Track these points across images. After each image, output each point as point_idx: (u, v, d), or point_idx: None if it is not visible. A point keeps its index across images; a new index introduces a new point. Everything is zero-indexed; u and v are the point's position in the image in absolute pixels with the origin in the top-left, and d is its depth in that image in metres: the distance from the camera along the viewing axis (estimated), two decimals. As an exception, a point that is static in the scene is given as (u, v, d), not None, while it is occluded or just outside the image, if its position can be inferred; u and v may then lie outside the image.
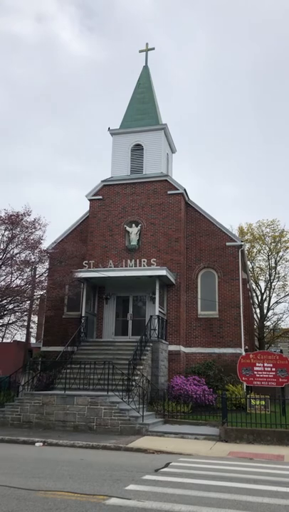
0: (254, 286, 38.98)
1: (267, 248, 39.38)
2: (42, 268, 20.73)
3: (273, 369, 17.38)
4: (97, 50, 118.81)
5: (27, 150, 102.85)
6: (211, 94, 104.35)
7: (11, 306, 19.77)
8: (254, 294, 38.56)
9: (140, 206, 23.42)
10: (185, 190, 23.43)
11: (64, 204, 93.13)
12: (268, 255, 39.31)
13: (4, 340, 33.38)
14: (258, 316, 39.63)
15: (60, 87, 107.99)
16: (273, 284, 39.48)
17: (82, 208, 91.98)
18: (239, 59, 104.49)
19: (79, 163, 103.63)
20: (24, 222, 19.53)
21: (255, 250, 39.67)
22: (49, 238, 21.56)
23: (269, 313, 40.40)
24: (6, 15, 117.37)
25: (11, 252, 19.29)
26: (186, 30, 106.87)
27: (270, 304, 39.97)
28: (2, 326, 22.03)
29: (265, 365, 17.49)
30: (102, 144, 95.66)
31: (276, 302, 40.32)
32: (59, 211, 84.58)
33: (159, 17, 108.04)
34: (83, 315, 21.33)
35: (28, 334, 23.13)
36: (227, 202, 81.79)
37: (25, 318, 21.41)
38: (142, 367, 17.86)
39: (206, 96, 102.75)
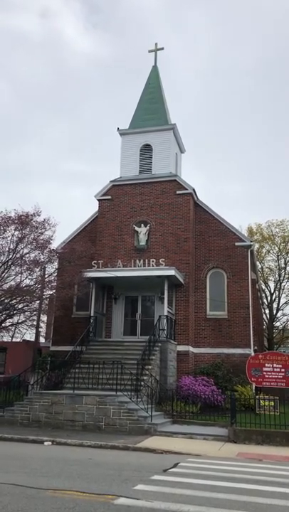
0: (263, 286, 38.79)
1: (276, 248, 39.17)
2: (51, 268, 20.85)
3: (283, 370, 17.28)
4: (102, 47, 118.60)
5: (30, 148, 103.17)
6: (213, 93, 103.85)
7: (20, 306, 19.87)
8: (263, 295, 38.38)
9: (149, 206, 23.42)
10: (194, 190, 23.39)
11: (69, 203, 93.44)
12: (278, 255, 39.11)
13: (14, 340, 33.55)
14: (267, 316, 39.43)
15: (64, 84, 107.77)
16: (283, 284, 39.27)
17: (88, 207, 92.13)
18: (243, 58, 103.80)
19: (83, 162, 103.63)
20: (34, 223, 19.62)
21: (264, 250, 39.49)
22: (55, 237, 21.66)
23: (278, 314, 40.22)
24: (9, 10, 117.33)
25: (21, 252, 19.40)
26: (190, 27, 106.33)
27: (280, 305, 39.78)
28: (12, 325, 22.13)
29: (275, 365, 17.40)
30: (107, 142, 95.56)
31: (286, 303, 40.12)
32: (64, 210, 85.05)
33: (165, 13, 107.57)
34: (92, 315, 21.38)
35: (38, 334, 23.23)
36: (229, 201, 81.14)
37: (35, 317, 21.51)
38: (150, 367, 17.86)
39: (207, 95, 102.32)
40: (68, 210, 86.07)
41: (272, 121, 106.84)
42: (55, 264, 21.07)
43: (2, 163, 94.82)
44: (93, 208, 24.78)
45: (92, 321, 21.20)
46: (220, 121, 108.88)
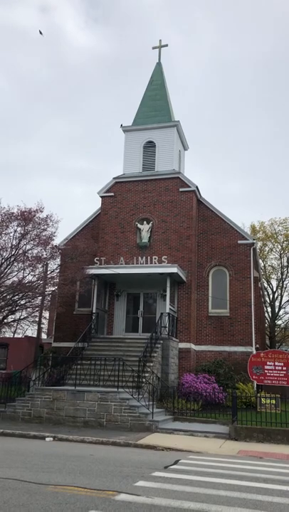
0: (266, 284, 38.75)
1: (279, 246, 39.10)
2: (53, 264, 20.87)
3: (284, 368, 17.29)
4: (103, 41, 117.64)
5: (29, 144, 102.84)
6: (214, 91, 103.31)
7: (22, 302, 19.90)
8: (265, 293, 38.33)
9: (152, 203, 23.41)
10: (197, 187, 23.36)
11: (69, 200, 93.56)
12: (280, 254, 39.04)
13: (16, 336, 33.65)
14: (270, 314, 39.41)
15: (65, 80, 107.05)
16: (285, 282, 39.21)
17: (89, 204, 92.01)
18: (245, 56, 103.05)
19: (84, 158, 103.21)
20: (36, 219, 19.64)
21: (267, 249, 39.40)
22: (57, 234, 21.63)
23: (280, 312, 40.20)
24: (9, 5, 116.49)
25: (23, 248, 19.42)
26: (192, 23, 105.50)
27: (282, 303, 39.75)
28: (14, 321, 22.18)
29: (276, 363, 17.40)
30: (108, 139, 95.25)
31: (288, 301, 40.10)
32: (65, 207, 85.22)
33: (166, 8, 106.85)
34: (94, 311, 21.42)
35: (40, 330, 23.28)
36: (231, 200, 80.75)
37: (37, 313, 21.53)
38: (152, 364, 17.88)
39: (208, 93, 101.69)
40: (69, 207, 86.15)
41: (275, 119, 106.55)
42: (58, 261, 21.09)
43: (2, 160, 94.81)
44: (94, 205, 24.81)
45: (94, 317, 21.24)
46: (223, 118, 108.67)
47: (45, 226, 19.84)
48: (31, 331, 29.77)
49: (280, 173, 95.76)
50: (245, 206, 75.29)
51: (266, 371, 17.43)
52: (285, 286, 39.25)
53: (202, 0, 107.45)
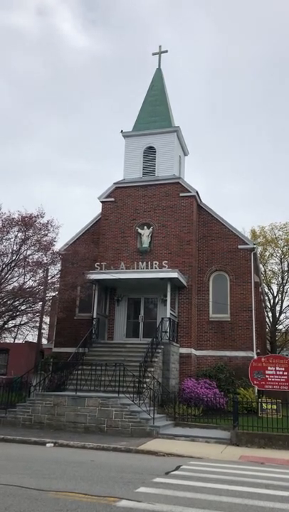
0: (266, 289, 38.72)
1: (280, 251, 39.12)
2: (54, 269, 20.90)
3: (285, 373, 17.25)
4: (102, 43, 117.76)
5: (28, 146, 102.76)
6: (214, 96, 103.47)
7: (23, 307, 19.90)
8: (266, 298, 38.31)
9: (152, 208, 23.45)
10: (197, 192, 23.41)
11: (68, 200, 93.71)
12: (281, 258, 39.05)
13: (16, 341, 33.60)
14: (270, 319, 39.36)
15: (63, 81, 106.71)
16: (286, 287, 39.19)
17: (88, 205, 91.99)
18: (245, 60, 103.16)
19: (83, 159, 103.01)
20: (37, 224, 19.68)
21: (267, 253, 39.43)
22: (58, 239, 21.53)
23: (281, 317, 40.15)
24: (6, 8, 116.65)
25: (24, 254, 19.44)
26: (191, 25, 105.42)
27: (283, 308, 39.71)
28: (14, 326, 22.18)
29: (277, 368, 17.38)
30: (108, 141, 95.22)
31: (288, 306, 40.05)
32: (64, 207, 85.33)
33: (166, 9, 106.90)
34: (95, 316, 21.41)
35: (40, 335, 23.25)
36: (231, 204, 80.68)
37: (37, 319, 21.54)
38: (152, 369, 17.85)
39: (208, 97, 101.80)
40: (69, 209, 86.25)
41: (275, 124, 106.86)
42: (58, 266, 21.11)
43: (1, 161, 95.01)
44: (94, 207, 24.89)
45: (94, 322, 21.23)
46: (222, 122, 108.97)
47: (46, 231, 19.90)
48: (32, 337, 29.73)
49: (281, 175, 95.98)
50: (246, 210, 75.41)
51: (267, 376, 17.40)
52: (285, 290, 39.25)
53: (202, 2, 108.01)
